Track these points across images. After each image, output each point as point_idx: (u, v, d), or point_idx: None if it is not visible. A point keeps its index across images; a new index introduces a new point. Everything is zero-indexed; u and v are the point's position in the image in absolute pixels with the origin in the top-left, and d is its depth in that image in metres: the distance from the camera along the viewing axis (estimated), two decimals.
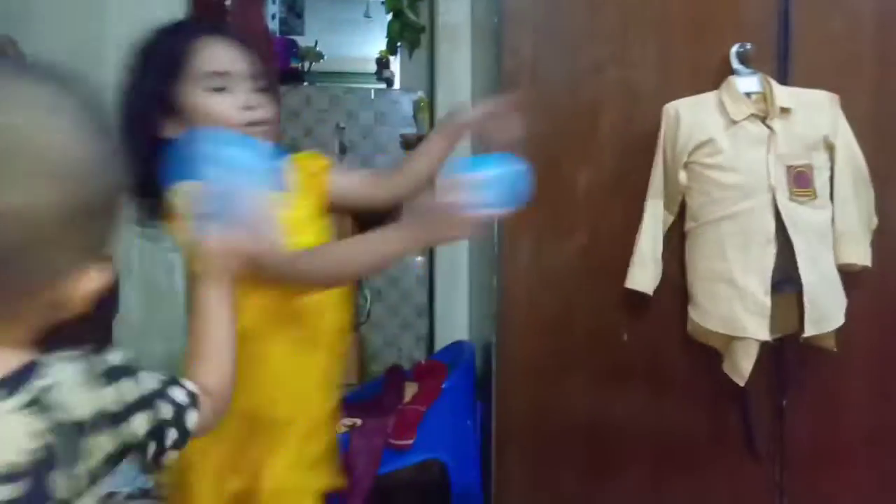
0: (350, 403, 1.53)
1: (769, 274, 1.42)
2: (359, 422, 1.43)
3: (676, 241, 1.55)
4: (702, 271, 1.48)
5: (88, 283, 0.52)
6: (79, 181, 0.49)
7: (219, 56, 0.95)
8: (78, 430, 0.49)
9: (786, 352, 1.57)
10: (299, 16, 3.75)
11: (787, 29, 1.58)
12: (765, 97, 1.50)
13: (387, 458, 1.40)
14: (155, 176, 0.83)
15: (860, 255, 1.52)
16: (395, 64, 3.07)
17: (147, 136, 0.90)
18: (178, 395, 0.61)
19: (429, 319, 2.64)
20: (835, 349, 1.51)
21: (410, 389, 1.62)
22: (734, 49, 1.53)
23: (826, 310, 1.45)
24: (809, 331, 1.43)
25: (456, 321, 2.16)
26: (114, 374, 0.54)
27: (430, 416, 1.40)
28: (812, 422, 1.59)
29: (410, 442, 1.34)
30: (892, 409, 1.57)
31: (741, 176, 1.45)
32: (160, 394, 0.59)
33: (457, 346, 1.92)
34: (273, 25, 3.34)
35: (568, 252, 1.62)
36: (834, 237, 1.50)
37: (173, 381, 0.62)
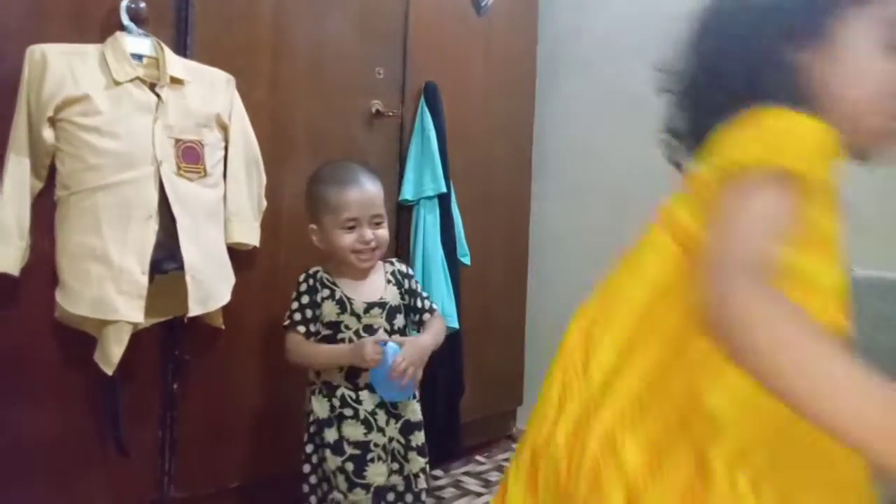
0: None
1: (149, 251, 1.32)
2: None
3: (46, 212, 1.32)
4: (73, 248, 1.29)
5: None
6: None
7: None
8: None
9: (177, 335, 1.52)
10: None
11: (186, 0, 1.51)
12: (157, 63, 1.40)
13: None
14: None
15: (249, 235, 1.57)
16: None
17: None
18: None
19: None
20: (222, 327, 1.52)
21: None
22: (124, 3, 1.39)
23: (212, 288, 1.44)
24: (194, 310, 1.39)
25: None
26: None
27: None
28: (205, 402, 1.58)
29: None
30: (277, 381, 1.68)
31: (122, 143, 1.31)
32: None
33: None
34: None
35: None
36: (225, 216, 1.51)
37: None
